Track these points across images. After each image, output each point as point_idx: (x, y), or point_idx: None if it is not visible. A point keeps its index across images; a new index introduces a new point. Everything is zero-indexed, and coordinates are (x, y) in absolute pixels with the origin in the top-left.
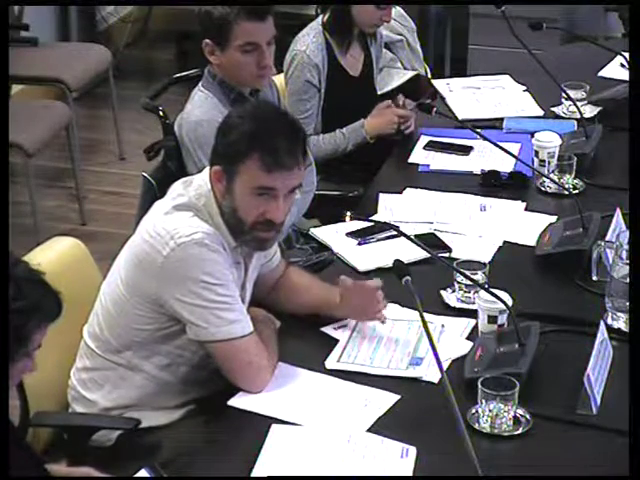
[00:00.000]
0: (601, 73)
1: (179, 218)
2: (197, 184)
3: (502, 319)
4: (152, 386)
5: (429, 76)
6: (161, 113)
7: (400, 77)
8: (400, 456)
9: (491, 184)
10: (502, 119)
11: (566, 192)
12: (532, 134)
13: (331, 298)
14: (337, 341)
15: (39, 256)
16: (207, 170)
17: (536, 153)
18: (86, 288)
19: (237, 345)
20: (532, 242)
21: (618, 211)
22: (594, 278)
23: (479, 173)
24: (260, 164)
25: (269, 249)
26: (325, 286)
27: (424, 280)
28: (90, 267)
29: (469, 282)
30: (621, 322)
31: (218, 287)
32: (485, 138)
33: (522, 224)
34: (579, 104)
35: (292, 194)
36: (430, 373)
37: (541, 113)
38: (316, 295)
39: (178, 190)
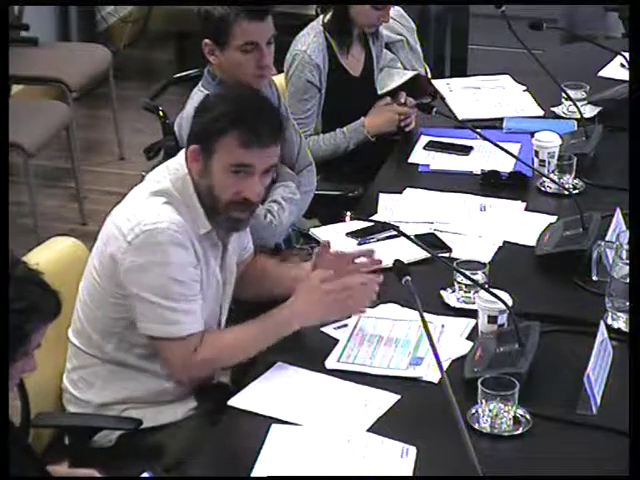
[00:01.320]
0: (601, 73)
1: (150, 205)
2: (174, 168)
3: (502, 319)
4: (143, 378)
5: (429, 76)
6: (161, 113)
7: (400, 77)
8: (400, 456)
9: (491, 184)
10: (502, 119)
11: (566, 192)
12: (532, 134)
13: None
14: (337, 341)
15: (38, 256)
16: (182, 153)
17: (536, 153)
18: None
19: (165, 345)
20: (532, 242)
21: (618, 211)
22: (594, 278)
23: (479, 173)
24: (238, 140)
25: (243, 230)
26: (291, 266)
27: (424, 280)
28: None
29: (469, 282)
30: (621, 322)
31: (172, 282)
32: (485, 138)
33: (522, 224)
34: (579, 104)
35: (268, 174)
36: (430, 373)
37: (541, 113)
38: (285, 275)
39: (157, 175)
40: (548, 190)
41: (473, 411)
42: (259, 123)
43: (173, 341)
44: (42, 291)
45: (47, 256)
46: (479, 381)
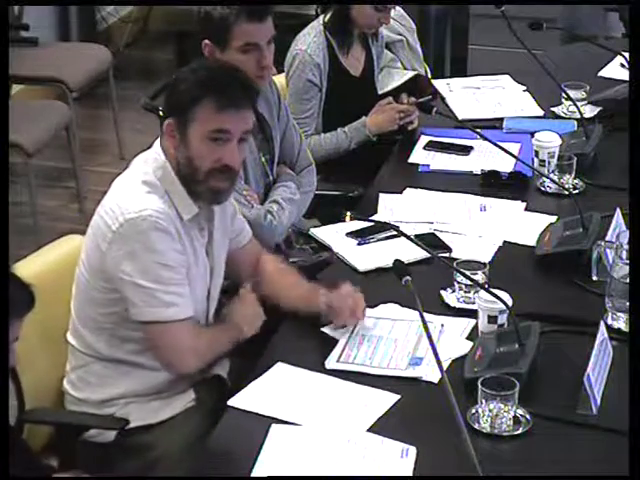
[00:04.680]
0: (601, 73)
1: (134, 194)
2: (152, 158)
3: (502, 319)
4: (138, 373)
5: (429, 76)
6: (161, 113)
7: (400, 77)
8: (400, 456)
9: (491, 184)
10: (502, 119)
11: (566, 192)
12: (532, 134)
13: (313, 298)
14: (337, 341)
15: (49, 254)
16: (158, 142)
17: (536, 153)
18: None
19: (164, 329)
20: (532, 242)
21: (618, 211)
22: (594, 278)
23: (479, 173)
24: (213, 105)
25: (224, 201)
26: (309, 286)
27: (424, 280)
28: None
29: (469, 282)
30: (621, 322)
31: (160, 267)
32: (485, 138)
33: (522, 224)
34: (579, 104)
35: (244, 142)
36: (430, 373)
37: (541, 113)
38: (298, 296)
39: (137, 169)
40: (548, 190)
41: (473, 411)
42: (232, 87)
43: (172, 324)
44: (14, 285)
45: (56, 253)
46: (479, 381)
